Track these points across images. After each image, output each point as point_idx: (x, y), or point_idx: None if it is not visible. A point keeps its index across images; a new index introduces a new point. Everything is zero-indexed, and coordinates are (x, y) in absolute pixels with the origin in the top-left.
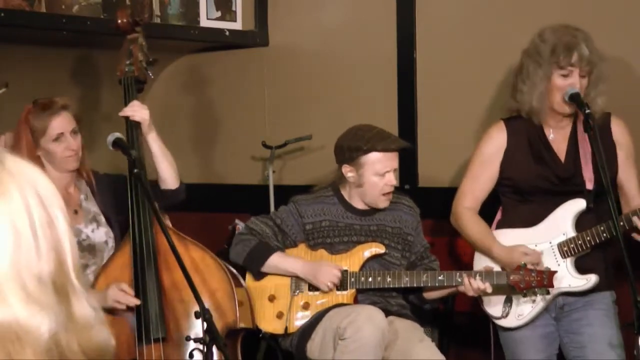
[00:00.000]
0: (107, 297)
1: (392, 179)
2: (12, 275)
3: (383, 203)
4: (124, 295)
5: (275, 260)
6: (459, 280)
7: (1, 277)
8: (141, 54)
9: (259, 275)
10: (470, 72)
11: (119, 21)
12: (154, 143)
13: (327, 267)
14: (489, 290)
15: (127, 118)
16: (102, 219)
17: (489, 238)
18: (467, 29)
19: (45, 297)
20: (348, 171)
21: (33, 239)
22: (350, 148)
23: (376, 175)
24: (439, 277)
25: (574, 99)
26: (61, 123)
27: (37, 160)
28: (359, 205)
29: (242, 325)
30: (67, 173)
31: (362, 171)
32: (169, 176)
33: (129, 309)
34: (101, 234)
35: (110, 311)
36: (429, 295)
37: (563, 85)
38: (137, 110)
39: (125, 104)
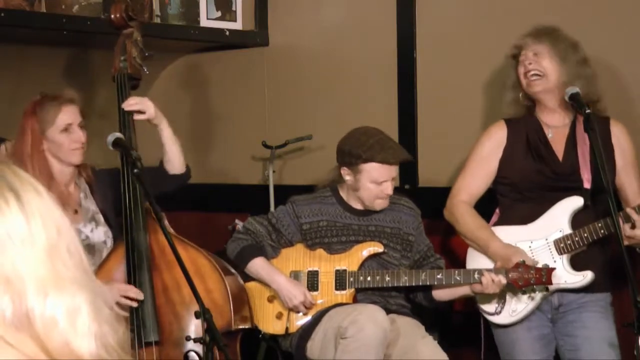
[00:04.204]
0: (112, 292)
1: (388, 188)
2: (62, 255)
3: (379, 206)
4: (133, 290)
5: (257, 265)
6: (458, 278)
7: (53, 248)
8: (135, 50)
9: (246, 276)
10: (471, 72)
11: (113, 16)
12: (166, 130)
13: (297, 290)
14: (503, 282)
15: (122, 116)
16: (101, 218)
17: (485, 231)
18: (467, 29)
19: (87, 283)
20: (346, 174)
21: (66, 231)
22: (350, 153)
23: (372, 182)
24: (438, 276)
25: (574, 98)
26: (70, 114)
27: (40, 154)
28: (358, 205)
29: (238, 326)
30: (70, 168)
31: (359, 176)
32: (177, 160)
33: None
34: (100, 233)
35: None
36: (439, 296)
37: (521, 70)
38: (140, 104)
39: (119, 102)
